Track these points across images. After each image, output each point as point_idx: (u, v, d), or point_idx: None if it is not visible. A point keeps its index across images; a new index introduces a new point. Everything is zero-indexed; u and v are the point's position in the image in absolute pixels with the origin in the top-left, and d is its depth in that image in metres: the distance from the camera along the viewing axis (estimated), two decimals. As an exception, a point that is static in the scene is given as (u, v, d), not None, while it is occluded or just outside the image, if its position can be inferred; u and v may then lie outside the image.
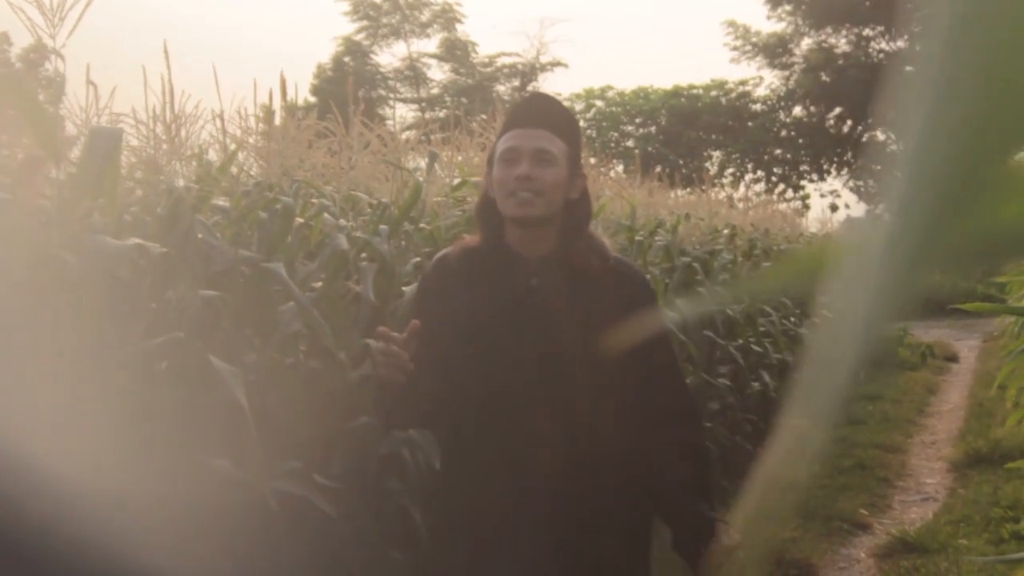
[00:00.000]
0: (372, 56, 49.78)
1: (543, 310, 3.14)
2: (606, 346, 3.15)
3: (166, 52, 4.09)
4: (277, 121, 5.04)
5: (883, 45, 42.85)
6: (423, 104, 48.82)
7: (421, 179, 5.39)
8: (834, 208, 41.65)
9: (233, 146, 4.78)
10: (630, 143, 44.17)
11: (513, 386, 3.12)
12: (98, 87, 4.09)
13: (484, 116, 6.97)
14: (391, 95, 48.83)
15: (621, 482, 3.19)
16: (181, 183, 4.32)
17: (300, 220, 4.64)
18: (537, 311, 3.14)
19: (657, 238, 8.52)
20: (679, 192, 12.03)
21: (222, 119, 4.62)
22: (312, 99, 41.66)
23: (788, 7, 42.84)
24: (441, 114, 40.84)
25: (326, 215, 4.83)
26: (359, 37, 49.57)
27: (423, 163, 5.98)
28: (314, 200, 5.04)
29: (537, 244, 3.19)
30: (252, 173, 5.33)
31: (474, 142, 6.55)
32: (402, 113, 48.83)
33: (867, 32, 42.53)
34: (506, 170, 3.15)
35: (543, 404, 3.10)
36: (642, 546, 3.33)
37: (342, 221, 4.90)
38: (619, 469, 3.18)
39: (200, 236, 4.07)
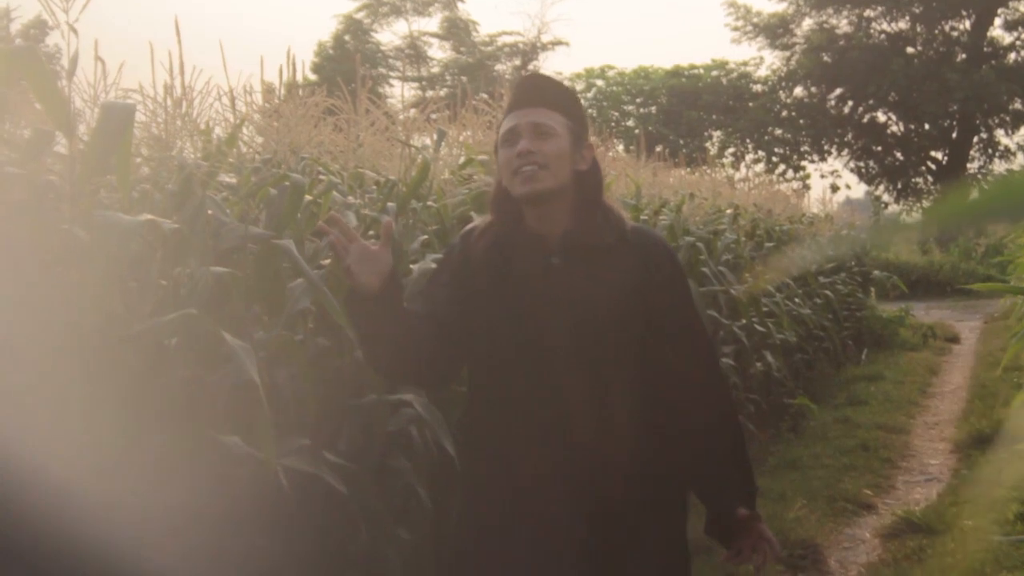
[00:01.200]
0: (372, 34, 49.68)
1: (564, 287, 3.14)
2: (631, 316, 3.16)
3: (177, 27, 4.08)
4: (282, 97, 5.02)
5: (884, 26, 42.78)
6: (423, 83, 48.75)
7: (428, 157, 5.37)
8: (835, 188, 41.70)
9: (239, 122, 4.75)
10: (630, 123, 44.16)
11: (538, 363, 3.12)
12: (106, 62, 4.08)
13: (485, 95, 6.95)
14: (391, 73, 48.74)
15: (650, 453, 3.19)
16: (191, 159, 4.30)
17: (309, 197, 4.63)
18: (558, 289, 3.14)
19: (661, 217, 8.50)
20: (682, 172, 11.99)
21: (231, 96, 4.60)
22: (313, 77, 41.60)
23: (790, -13, 42.82)
24: (442, 93, 40.80)
25: (335, 192, 4.82)
26: (360, 15, 49.46)
27: (428, 141, 5.97)
28: (322, 177, 5.03)
29: (554, 221, 3.18)
30: (259, 151, 5.31)
31: (480, 120, 6.53)
32: (402, 92, 48.70)
33: (868, 13, 42.45)
34: (508, 150, 3.17)
35: (569, 380, 3.11)
36: (676, 517, 3.35)
37: (350, 199, 4.89)
38: (647, 439, 3.18)
39: (210, 212, 4.06)
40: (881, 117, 43.89)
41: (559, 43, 50.51)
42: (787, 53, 44.37)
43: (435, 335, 3.18)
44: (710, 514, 3.28)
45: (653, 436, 3.20)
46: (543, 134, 3.14)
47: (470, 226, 3.42)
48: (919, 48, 42.18)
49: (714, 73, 45.74)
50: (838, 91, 43.54)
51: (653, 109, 45.65)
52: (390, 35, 49.88)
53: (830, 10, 42.65)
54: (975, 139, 42.78)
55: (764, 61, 45.86)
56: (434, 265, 3.62)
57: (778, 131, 44.45)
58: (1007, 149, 42.86)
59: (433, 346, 3.20)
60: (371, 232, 4.82)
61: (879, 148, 43.81)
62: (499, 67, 49.22)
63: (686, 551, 3.37)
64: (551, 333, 3.12)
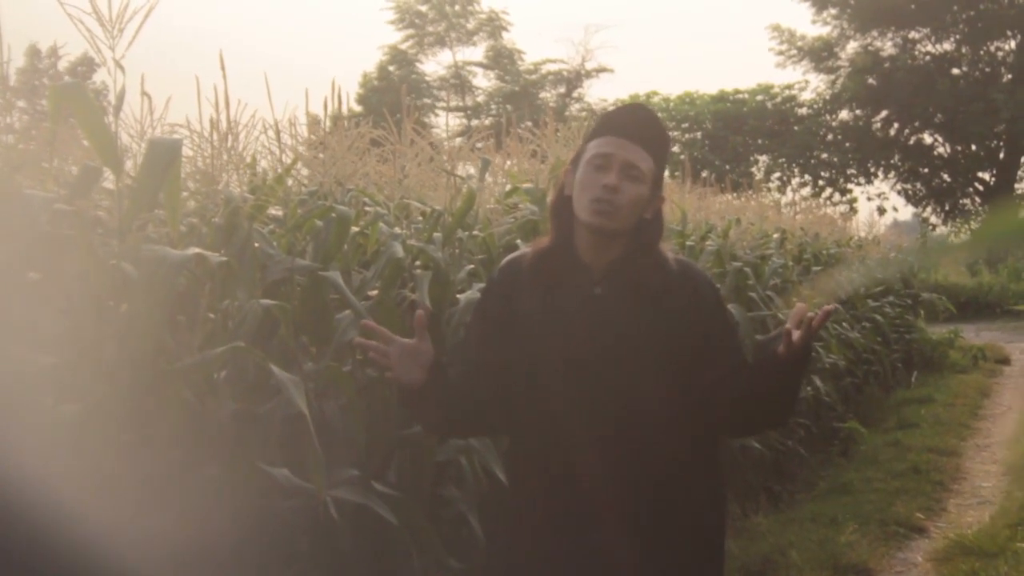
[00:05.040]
0: (417, 64, 49.87)
1: (606, 318, 3.14)
2: (671, 350, 3.16)
3: (221, 62, 4.10)
4: (327, 129, 5.04)
5: (929, 48, 42.62)
6: (468, 112, 48.87)
7: (474, 186, 5.38)
8: (882, 211, 41.50)
9: (287, 155, 4.78)
10: (676, 148, 44.06)
11: (576, 393, 3.13)
12: (152, 98, 4.11)
13: (529, 123, 6.96)
14: (436, 103, 48.87)
15: (688, 484, 3.19)
16: (237, 193, 4.33)
17: (355, 228, 4.64)
18: (600, 319, 3.14)
19: (708, 243, 8.48)
20: (728, 197, 11.96)
21: (276, 129, 4.63)
22: (358, 108, 41.76)
23: (834, 11, 42.69)
24: (487, 121, 40.87)
25: (381, 224, 4.83)
26: (405, 46, 49.66)
27: (473, 171, 5.97)
28: (368, 208, 5.04)
29: (604, 252, 3.19)
30: (304, 182, 5.33)
31: (524, 149, 6.53)
32: (448, 121, 48.88)
33: (913, 35, 42.32)
34: (593, 175, 3.15)
35: (607, 411, 3.11)
36: (716, 532, 3.34)
37: (396, 229, 4.91)
38: (685, 470, 3.18)
39: (257, 245, 4.08)
40: (927, 139, 43.68)
41: (603, 70, 50.60)
42: (832, 76, 44.26)
43: (493, 386, 3.22)
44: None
45: (693, 450, 3.20)
46: (632, 177, 3.15)
47: (511, 256, 3.43)
48: (964, 69, 41.99)
49: (759, 97, 45.63)
50: (884, 113, 43.37)
51: (698, 135, 45.58)
52: (435, 65, 49.97)
53: (875, 33, 42.54)
54: (1022, 159, 42.46)
55: (809, 84, 45.69)
56: (479, 295, 3.63)
57: (824, 154, 44.31)
58: (1055, 169, 42.59)
59: (494, 398, 3.23)
60: (417, 262, 4.83)
61: (926, 170, 43.60)
62: (543, 95, 49.30)
63: (722, 558, 3.38)
64: (591, 362, 3.13)
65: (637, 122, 3.27)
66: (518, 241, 5.35)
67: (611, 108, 3.61)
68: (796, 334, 2.95)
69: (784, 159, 44.38)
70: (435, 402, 3.15)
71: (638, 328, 3.14)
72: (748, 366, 3.20)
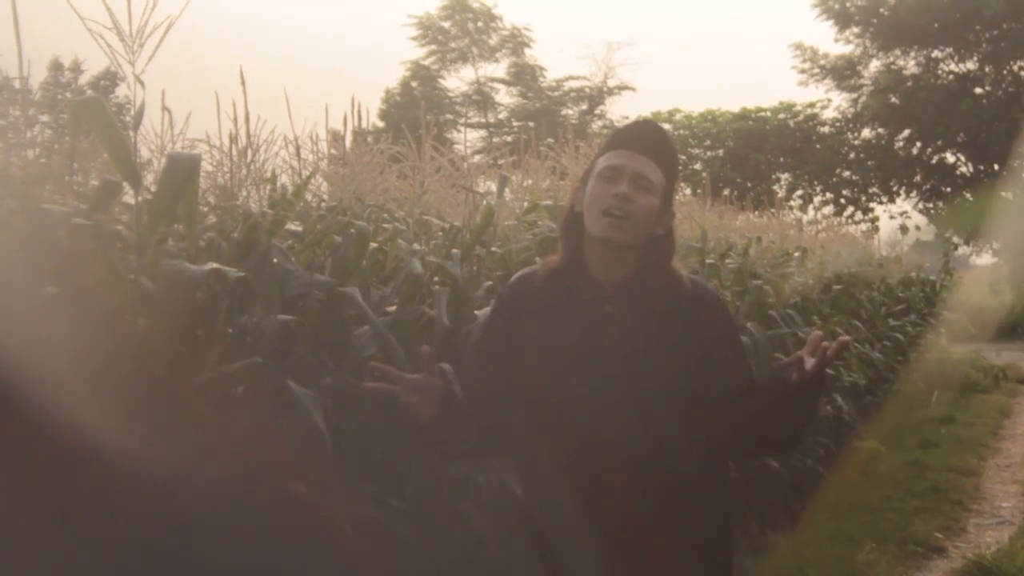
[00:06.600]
0: (440, 80, 49.93)
1: (618, 338, 3.14)
2: (682, 371, 3.15)
3: (242, 77, 4.11)
4: (348, 145, 5.05)
5: (952, 67, 42.49)
6: (490, 128, 48.88)
7: (492, 203, 5.38)
8: (904, 230, 41.32)
9: (306, 171, 4.78)
10: (698, 166, 44.01)
11: (587, 412, 3.12)
12: (172, 113, 4.13)
13: (552, 140, 6.96)
14: (458, 119, 48.90)
15: (698, 502, 3.18)
16: (255, 208, 4.34)
17: (374, 245, 4.65)
18: (612, 338, 3.14)
19: (728, 261, 8.47)
20: (749, 215, 11.95)
21: (296, 144, 4.63)
22: (380, 124, 41.82)
23: (856, 29, 42.56)
24: (508, 138, 40.87)
25: (400, 240, 4.84)
26: (427, 62, 49.73)
27: (493, 187, 5.98)
28: (386, 224, 5.04)
29: (616, 269, 3.19)
30: (324, 198, 5.34)
31: (544, 166, 6.53)
32: (469, 137, 48.86)
33: (936, 54, 42.15)
34: (604, 187, 3.16)
35: (618, 430, 3.10)
36: (724, 545, 3.34)
37: (415, 245, 4.91)
38: (695, 488, 3.17)
39: (275, 260, 4.08)
40: (950, 158, 43.50)
41: (626, 88, 50.58)
42: (854, 95, 44.10)
43: (503, 410, 3.25)
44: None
45: (703, 469, 3.20)
46: (643, 188, 3.16)
47: (521, 273, 3.44)
48: (987, 88, 41.82)
49: (781, 116, 45.49)
50: (906, 132, 43.19)
51: (720, 152, 45.46)
52: (457, 81, 49.95)
53: (897, 51, 42.39)
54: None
55: (831, 103, 45.53)
56: (489, 312, 3.63)
57: (846, 173, 44.17)
58: (1078, 189, 42.38)
59: (505, 422, 3.25)
60: (435, 279, 4.83)
61: (948, 189, 43.42)
62: (565, 112, 49.29)
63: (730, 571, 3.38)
64: (600, 380, 3.13)
65: (646, 136, 3.29)
66: (537, 258, 5.35)
67: (621, 125, 3.61)
68: (810, 362, 2.94)
69: (806, 177, 44.24)
70: (444, 434, 3.17)
71: (649, 347, 3.14)
72: (759, 390, 3.18)
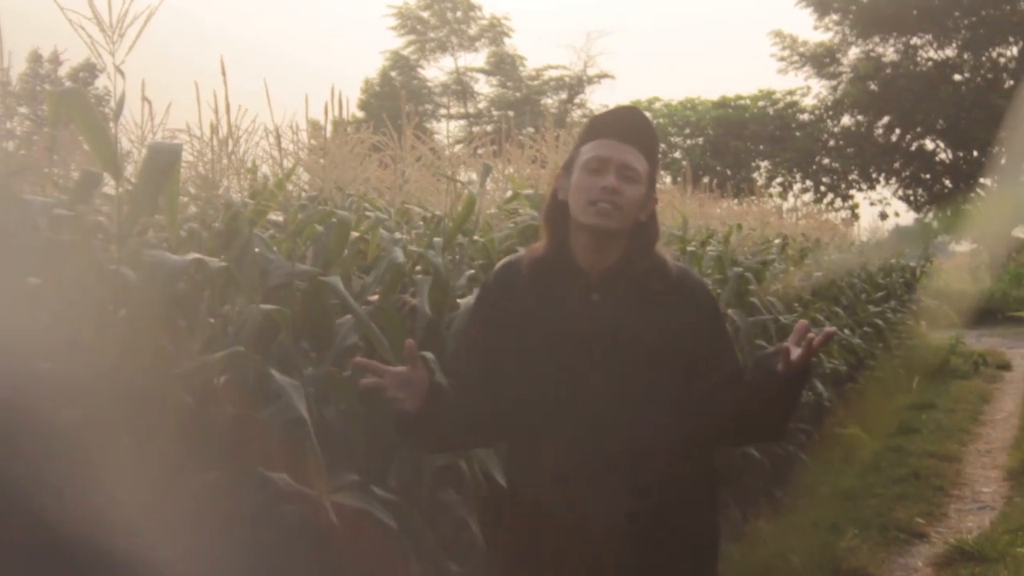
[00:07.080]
0: (419, 70, 49.85)
1: (604, 324, 3.15)
2: (667, 355, 3.16)
3: (223, 68, 4.10)
4: (329, 135, 5.05)
5: (931, 54, 42.53)
6: (470, 118, 48.83)
7: (474, 192, 5.39)
8: (884, 216, 41.41)
9: (287, 161, 4.78)
10: (677, 154, 44.00)
11: (574, 399, 3.14)
12: (153, 103, 4.12)
13: (531, 129, 6.96)
14: (438, 109, 48.83)
15: (684, 488, 3.19)
16: (237, 198, 4.33)
17: (355, 234, 4.65)
18: (598, 325, 3.15)
19: (709, 248, 8.48)
20: (730, 203, 11.96)
21: (277, 134, 4.63)
22: (360, 114, 41.74)
23: (835, 17, 42.56)
24: (488, 128, 40.84)
25: (381, 229, 4.84)
26: (407, 52, 49.63)
27: (474, 176, 5.98)
28: (368, 214, 5.04)
29: (601, 256, 3.20)
30: (305, 188, 5.34)
31: (524, 155, 6.53)
32: (447, 127, 48.80)
33: (915, 41, 42.18)
34: (590, 178, 3.16)
35: (605, 416, 3.11)
36: (711, 527, 3.38)
37: (397, 235, 4.91)
38: (682, 474, 3.18)
39: (257, 250, 4.08)
40: (929, 145, 43.53)
41: (605, 76, 50.49)
42: (834, 82, 44.09)
43: (489, 400, 3.25)
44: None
45: (689, 455, 3.21)
46: (629, 178, 3.17)
47: (506, 260, 3.43)
48: (966, 75, 41.88)
49: (761, 103, 45.49)
50: (885, 119, 43.20)
51: (700, 140, 45.44)
52: (437, 71, 49.82)
53: (876, 39, 42.39)
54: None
55: (811, 90, 45.50)
56: (474, 301, 3.63)
57: (826, 160, 44.20)
58: (1058, 174, 42.48)
59: (490, 411, 3.25)
60: (417, 268, 4.84)
61: (928, 176, 43.47)
62: (545, 101, 49.24)
63: (716, 556, 3.40)
64: (588, 368, 3.14)
65: (630, 124, 3.30)
66: (518, 247, 5.35)
67: (601, 111, 3.60)
68: (795, 352, 2.96)
69: (786, 165, 44.26)
70: (430, 426, 3.16)
71: (636, 334, 3.15)
72: (744, 378, 3.20)
